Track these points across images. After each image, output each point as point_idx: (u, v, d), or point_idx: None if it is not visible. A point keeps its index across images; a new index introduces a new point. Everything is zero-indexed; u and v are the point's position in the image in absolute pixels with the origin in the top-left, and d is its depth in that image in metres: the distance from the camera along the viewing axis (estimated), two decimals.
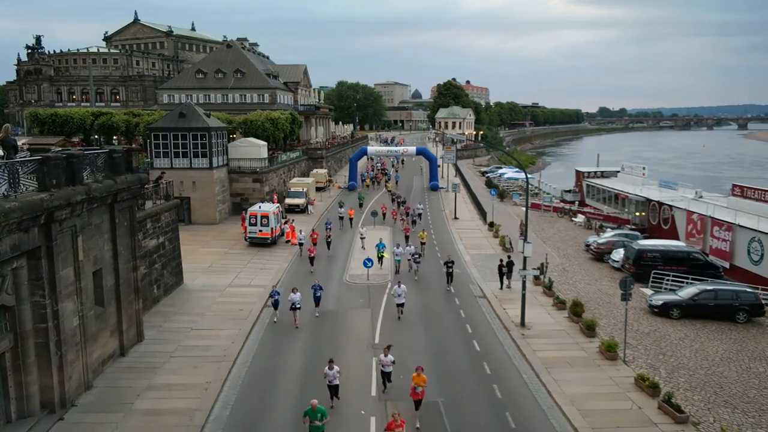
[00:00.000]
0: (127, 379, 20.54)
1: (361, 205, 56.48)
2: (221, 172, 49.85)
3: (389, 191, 64.72)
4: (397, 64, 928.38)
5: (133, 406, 18.62)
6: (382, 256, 35.75)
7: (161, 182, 34.37)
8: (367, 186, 71.52)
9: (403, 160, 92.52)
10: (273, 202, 47.42)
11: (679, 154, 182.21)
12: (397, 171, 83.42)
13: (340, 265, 37.08)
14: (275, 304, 26.97)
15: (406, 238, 40.91)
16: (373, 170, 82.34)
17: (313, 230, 42.06)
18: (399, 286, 26.87)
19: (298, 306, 26.02)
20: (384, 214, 50.73)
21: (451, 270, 31.85)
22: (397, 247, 35.90)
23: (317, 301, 27.57)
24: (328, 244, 40.17)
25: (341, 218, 49.00)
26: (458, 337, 25.48)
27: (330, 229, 42.63)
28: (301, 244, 38.79)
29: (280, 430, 17.88)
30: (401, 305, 26.79)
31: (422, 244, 39.12)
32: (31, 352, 17.06)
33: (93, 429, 17.29)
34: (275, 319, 26.59)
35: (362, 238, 41.29)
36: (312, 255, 35.67)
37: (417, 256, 34.65)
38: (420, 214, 51.85)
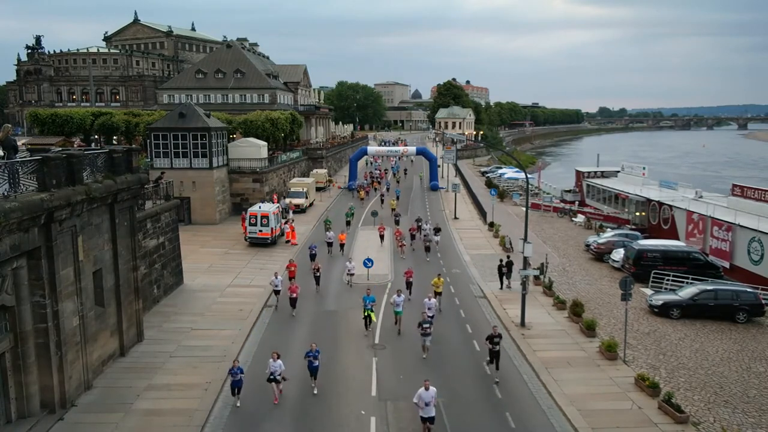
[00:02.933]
0: (127, 379, 20.53)
1: (348, 223, 47.11)
2: (221, 172, 49.85)
3: (393, 210, 51.86)
4: (397, 64, 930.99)
5: (133, 406, 18.61)
6: (369, 316, 25.19)
7: (161, 182, 34.36)
8: (362, 198, 62.05)
9: (405, 170, 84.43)
10: (273, 202, 47.40)
11: (676, 154, 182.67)
12: (398, 181, 74.89)
13: (338, 270, 36.07)
14: (235, 386, 19.08)
15: (409, 285, 29.75)
16: (369, 178, 73.71)
17: (290, 261, 32.66)
18: (427, 389, 17.00)
19: (278, 377, 19.09)
20: (382, 236, 42.23)
21: (498, 348, 21.39)
22: (398, 295, 25.55)
23: (314, 371, 20.01)
24: (317, 278, 31.31)
25: (329, 244, 39.89)
26: (458, 337, 25.48)
27: (315, 255, 34.94)
28: (277, 292, 28.89)
29: (280, 430, 17.86)
30: (430, 421, 17.07)
31: (437, 294, 27.77)
32: (31, 352, 17.06)
33: (93, 429, 17.29)
34: (237, 404, 19.08)
35: (350, 274, 32.35)
36: (294, 295, 27.44)
37: (428, 327, 22.58)
38: (430, 238, 39.84)
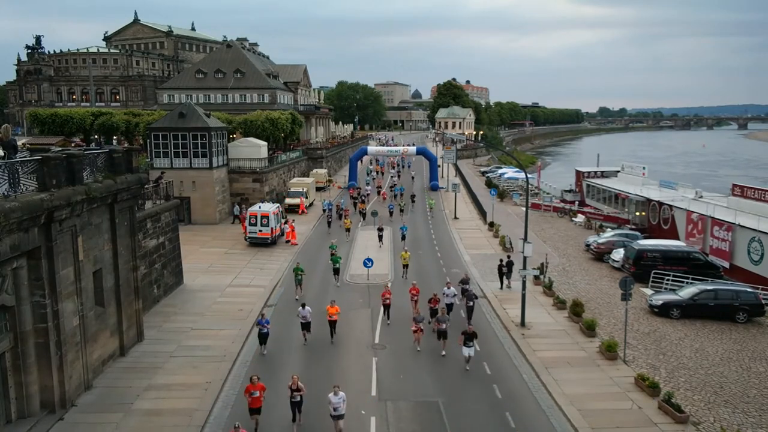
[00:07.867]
0: (127, 379, 20.54)
1: (336, 271, 32.64)
2: (221, 172, 49.86)
3: (405, 266, 34.18)
4: (397, 64, 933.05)
5: (133, 406, 18.62)
6: None
7: (161, 182, 34.38)
8: (347, 229, 44.70)
9: (413, 197, 60.91)
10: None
11: (673, 153, 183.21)
12: (402, 210, 53.46)
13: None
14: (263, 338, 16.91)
15: None
16: (358, 196, 58.36)
17: (251, 380, 17.85)
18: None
19: None
20: (387, 308, 26.64)
21: None
22: None
23: None
24: (296, 404, 17.74)
25: (305, 325, 23.99)
26: (458, 335, 25.39)
27: (266, 335, 23.12)
28: None
29: (279, 430, 17.84)
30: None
31: None
32: (31, 352, 17.06)
33: (93, 429, 17.30)
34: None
35: (337, 417, 17.04)
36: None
37: None
38: (444, 328, 23.59)
